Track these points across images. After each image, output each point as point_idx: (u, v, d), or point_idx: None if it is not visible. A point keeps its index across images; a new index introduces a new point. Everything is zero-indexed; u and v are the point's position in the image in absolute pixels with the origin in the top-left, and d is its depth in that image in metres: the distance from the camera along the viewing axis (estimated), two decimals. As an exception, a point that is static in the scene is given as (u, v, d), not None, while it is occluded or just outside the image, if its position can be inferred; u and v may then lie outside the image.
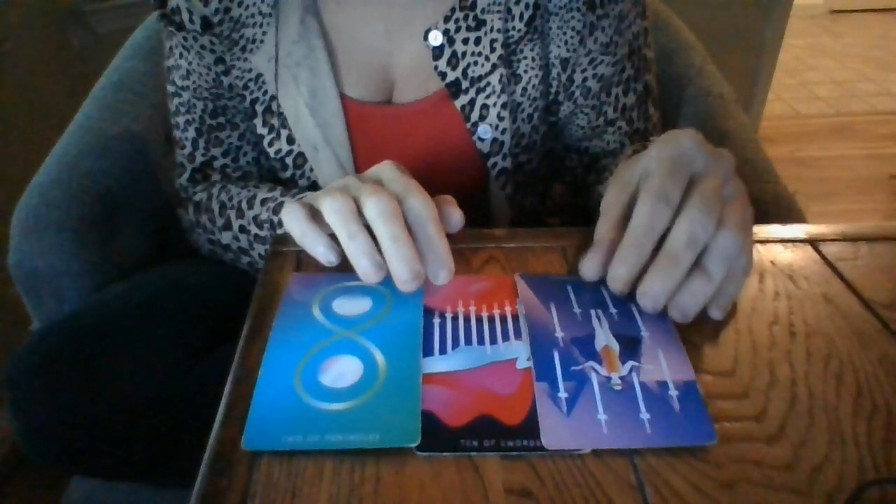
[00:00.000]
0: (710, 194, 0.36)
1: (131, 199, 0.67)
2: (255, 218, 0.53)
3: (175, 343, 0.54)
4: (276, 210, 0.51)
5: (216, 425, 0.31)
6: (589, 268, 0.39)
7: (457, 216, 0.42)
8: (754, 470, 0.29)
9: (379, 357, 0.34)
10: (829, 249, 0.44)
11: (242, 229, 0.55)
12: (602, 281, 0.38)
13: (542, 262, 0.43)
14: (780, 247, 0.45)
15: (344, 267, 0.39)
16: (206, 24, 0.53)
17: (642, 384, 0.33)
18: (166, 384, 0.51)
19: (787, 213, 0.62)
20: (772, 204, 0.63)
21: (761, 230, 0.46)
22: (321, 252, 0.39)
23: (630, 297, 0.37)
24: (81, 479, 0.66)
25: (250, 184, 0.58)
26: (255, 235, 0.53)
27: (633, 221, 0.36)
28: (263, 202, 0.53)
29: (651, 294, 0.35)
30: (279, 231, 0.50)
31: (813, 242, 0.45)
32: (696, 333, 0.37)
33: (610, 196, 0.41)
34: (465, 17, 0.53)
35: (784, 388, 0.33)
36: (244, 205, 0.54)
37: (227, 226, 0.56)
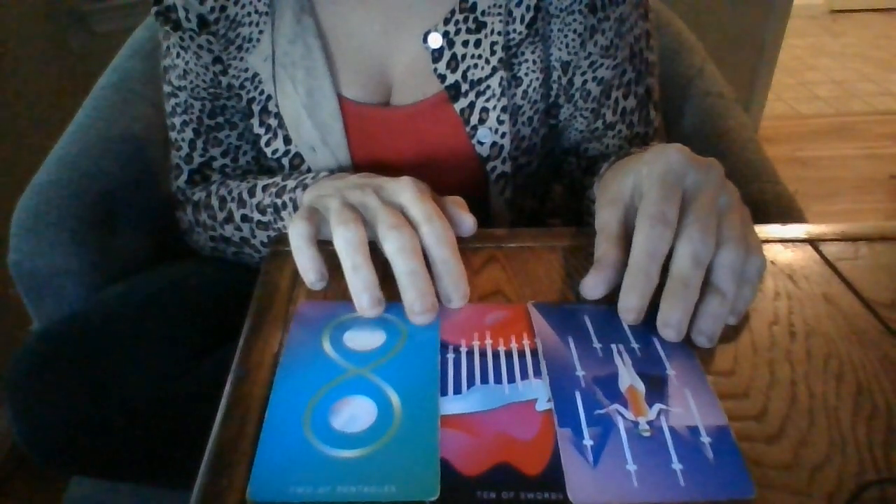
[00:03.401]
0: (705, 210, 0.36)
1: (131, 200, 0.67)
2: (257, 205, 0.53)
3: (175, 343, 0.53)
4: (279, 194, 0.51)
5: (216, 425, 0.31)
6: (591, 286, 0.38)
7: (469, 221, 0.43)
8: (754, 470, 0.29)
9: (394, 398, 0.33)
10: (829, 249, 0.44)
11: (245, 218, 0.54)
12: (618, 310, 0.37)
13: (542, 262, 0.43)
14: (780, 247, 0.45)
15: None
16: (203, 23, 0.53)
17: (672, 430, 0.31)
18: (166, 384, 0.51)
19: (787, 213, 0.62)
20: (772, 204, 0.63)
21: (761, 230, 0.46)
22: (309, 280, 0.39)
23: (650, 328, 0.36)
24: (81, 479, 0.66)
25: (249, 176, 0.58)
26: (258, 222, 0.53)
27: (635, 248, 0.36)
28: (265, 188, 0.53)
29: (673, 323, 0.35)
30: (283, 213, 0.50)
31: (813, 242, 0.45)
32: (696, 333, 0.37)
33: (603, 214, 0.41)
34: (465, 20, 0.52)
35: (784, 388, 0.33)
36: (245, 195, 0.54)
37: (229, 218, 0.56)
